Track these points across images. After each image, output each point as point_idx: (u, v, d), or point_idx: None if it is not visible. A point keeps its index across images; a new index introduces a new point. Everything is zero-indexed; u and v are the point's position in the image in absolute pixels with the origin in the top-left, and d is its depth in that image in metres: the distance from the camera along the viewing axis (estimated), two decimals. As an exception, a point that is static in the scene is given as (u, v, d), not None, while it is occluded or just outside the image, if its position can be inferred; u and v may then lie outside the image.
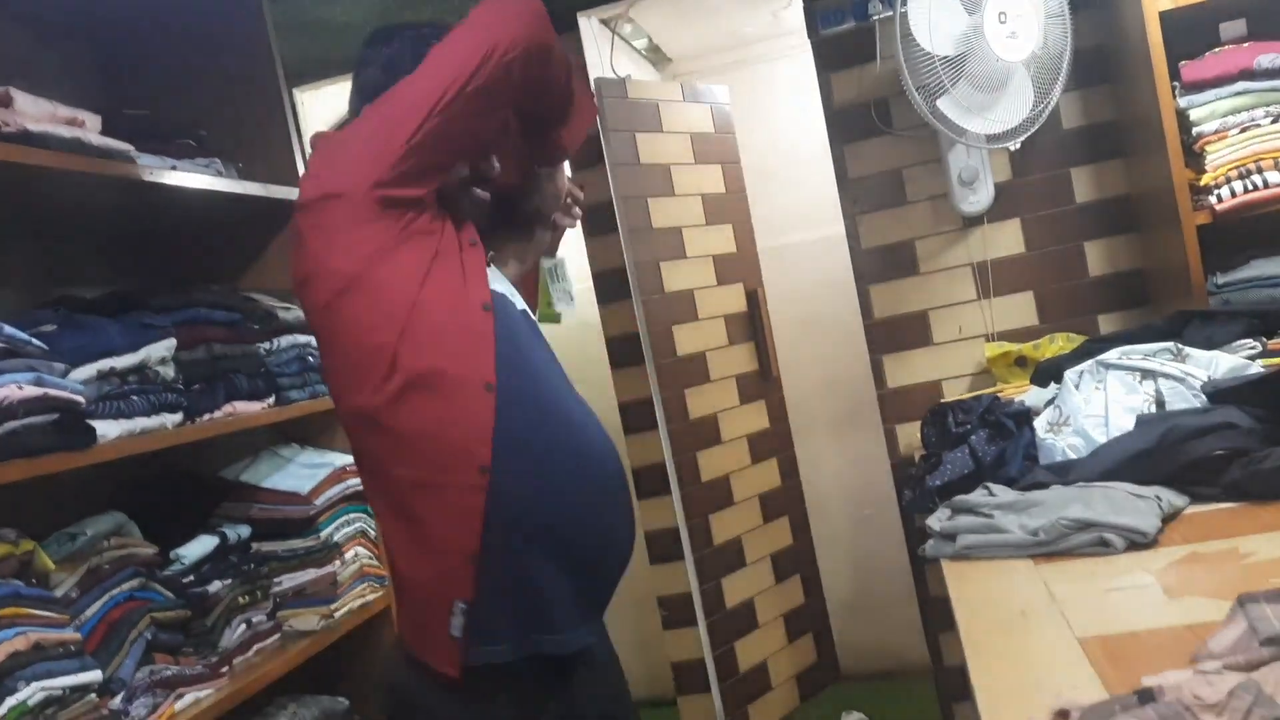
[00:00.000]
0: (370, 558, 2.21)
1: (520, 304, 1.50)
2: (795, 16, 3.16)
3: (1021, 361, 2.68)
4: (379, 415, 1.37)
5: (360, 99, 1.47)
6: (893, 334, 2.85)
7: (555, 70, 1.47)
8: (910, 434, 2.74)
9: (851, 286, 2.89)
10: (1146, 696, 0.76)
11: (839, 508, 3.92)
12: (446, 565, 1.37)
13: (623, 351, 3.10)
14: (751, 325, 3.45)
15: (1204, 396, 1.74)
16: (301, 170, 2.30)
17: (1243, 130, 2.20)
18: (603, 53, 3.20)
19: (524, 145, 1.52)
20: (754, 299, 3.45)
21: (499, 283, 1.48)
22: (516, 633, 1.39)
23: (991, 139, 2.50)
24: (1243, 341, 1.94)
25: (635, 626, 3.41)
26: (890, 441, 2.89)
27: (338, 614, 2.08)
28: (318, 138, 1.47)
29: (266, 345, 2.11)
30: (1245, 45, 2.26)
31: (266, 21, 2.33)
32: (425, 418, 1.36)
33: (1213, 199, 2.22)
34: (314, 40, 2.87)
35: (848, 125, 2.84)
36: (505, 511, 1.36)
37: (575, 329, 2.23)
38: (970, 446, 1.91)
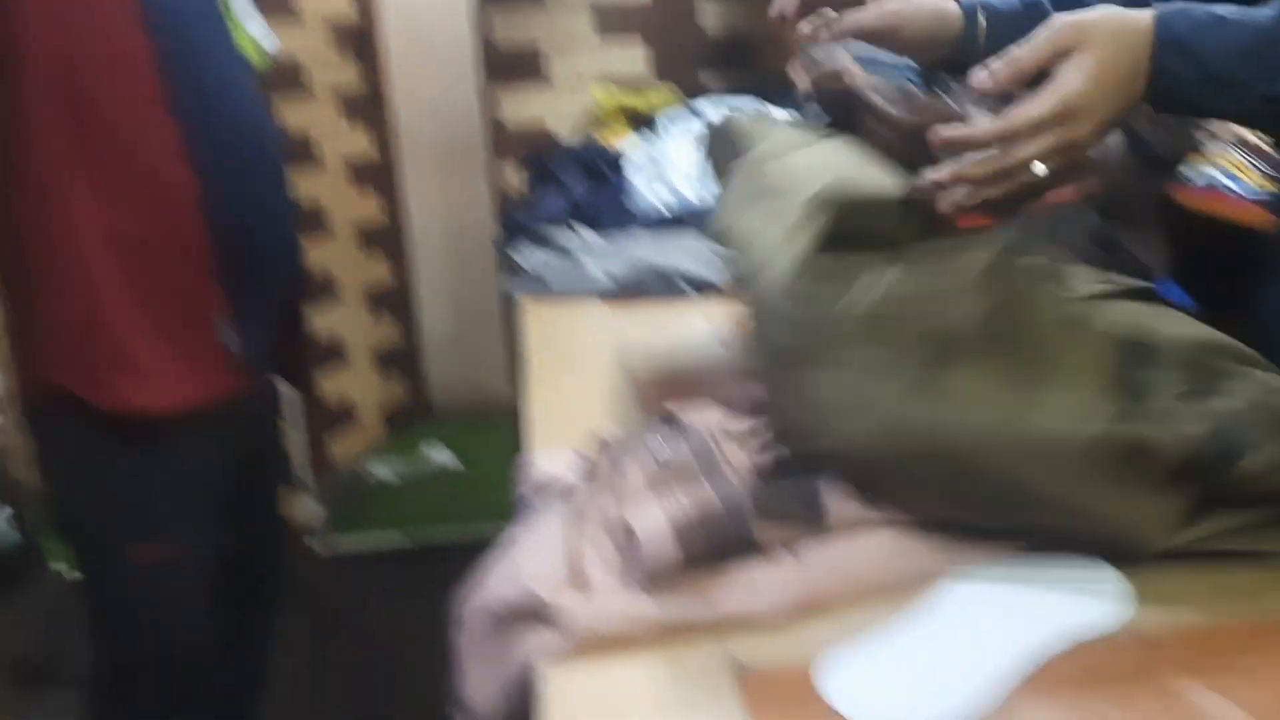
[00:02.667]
0: None
1: None
2: None
3: (629, 111, 2.69)
4: None
5: None
6: (509, 67, 2.75)
7: None
8: (516, 174, 2.71)
9: (470, 10, 2.71)
10: (673, 424, 0.78)
11: (441, 244, 3.86)
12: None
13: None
14: (360, 38, 3.16)
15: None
16: None
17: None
18: None
19: None
20: (366, 7, 3.15)
21: None
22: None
23: None
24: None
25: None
26: (495, 179, 2.84)
27: None
28: None
29: None
30: None
31: None
32: None
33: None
34: None
35: None
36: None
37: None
38: (566, 188, 1.90)
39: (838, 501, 0.71)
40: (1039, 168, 0.71)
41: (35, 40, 1.12)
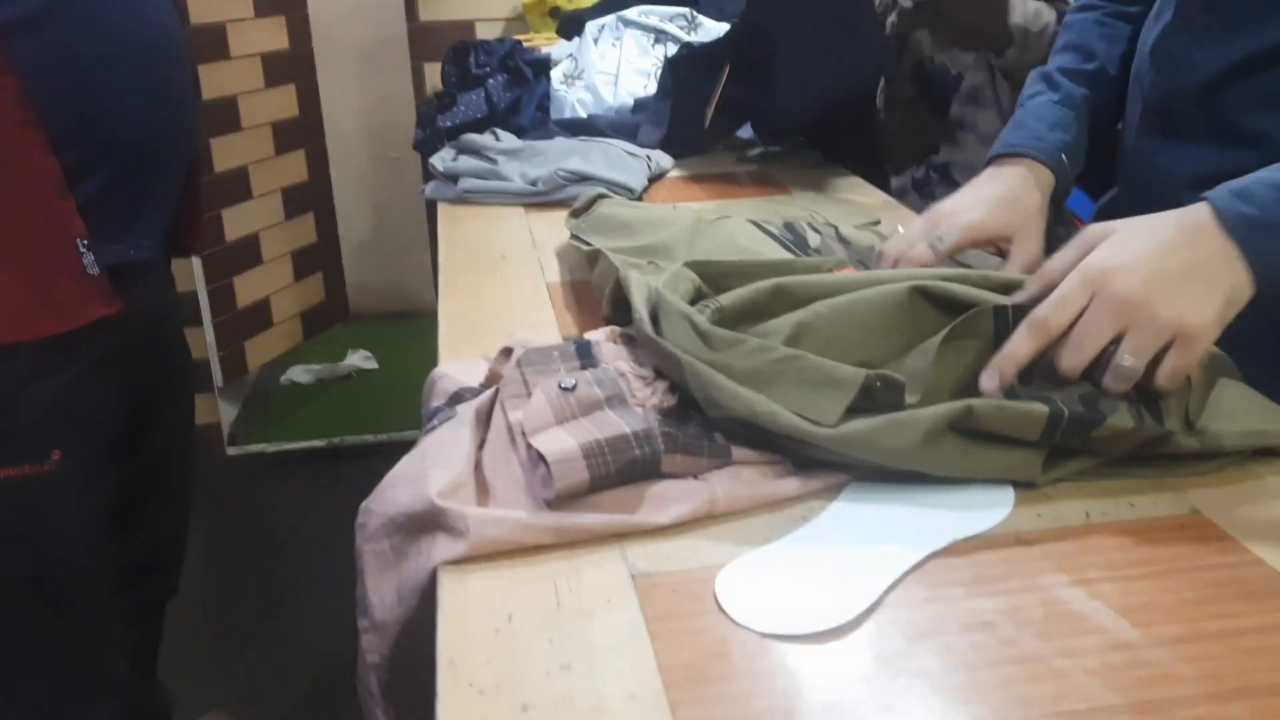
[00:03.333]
0: None
1: None
2: None
3: (555, 12, 2.62)
4: None
5: None
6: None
7: None
8: (437, 74, 2.62)
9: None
10: (584, 349, 0.78)
11: (361, 146, 3.76)
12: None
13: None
14: (273, -73, 3.01)
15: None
16: None
17: None
18: None
19: None
20: (278, -105, 2.99)
21: None
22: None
23: None
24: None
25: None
26: (417, 80, 2.75)
27: None
28: None
29: None
30: None
31: None
32: None
33: None
34: None
35: None
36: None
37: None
38: (486, 90, 1.85)
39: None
40: (1126, 359, 0.70)
41: None
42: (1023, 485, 0.71)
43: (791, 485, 0.71)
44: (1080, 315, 0.71)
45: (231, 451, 2.98)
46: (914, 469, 0.70)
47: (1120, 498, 0.71)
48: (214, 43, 2.82)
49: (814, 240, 1.19)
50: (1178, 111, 1.00)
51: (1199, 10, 0.97)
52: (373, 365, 3.42)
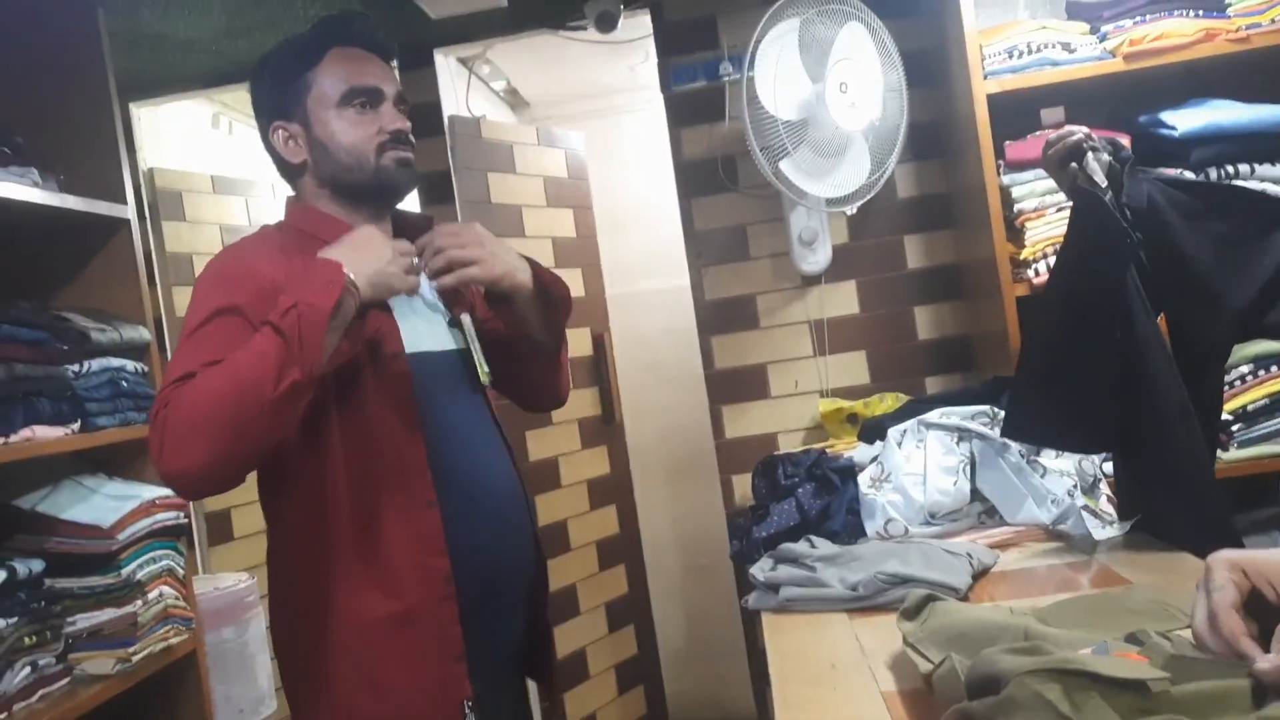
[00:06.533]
0: (176, 598, 2.09)
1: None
2: (650, 72, 3.22)
3: (852, 419, 2.76)
4: None
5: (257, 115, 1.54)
6: (732, 385, 2.90)
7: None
8: (745, 485, 2.78)
9: (695, 336, 2.93)
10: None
11: (675, 557, 3.95)
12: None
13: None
14: (597, 370, 3.45)
15: (1014, 458, 1.82)
16: (130, 191, 2.19)
17: (1058, 210, 2.35)
18: (459, 91, 3.18)
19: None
20: (600, 343, 3.46)
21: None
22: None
23: (830, 203, 2.60)
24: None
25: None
26: (726, 491, 2.92)
27: (136, 658, 1.94)
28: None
29: (75, 367, 1.98)
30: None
31: (101, 31, 2.21)
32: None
33: (1030, 272, 2.35)
34: (154, 54, 2.76)
35: (696, 180, 2.90)
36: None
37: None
38: (797, 499, 1.95)
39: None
40: None
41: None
42: None
43: None
44: None
45: None
46: None
47: None
48: (549, 476, 3.17)
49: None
50: None
51: None
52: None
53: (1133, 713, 0.77)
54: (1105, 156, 1.63)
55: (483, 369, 1.51)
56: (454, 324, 1.55)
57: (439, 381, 1.48)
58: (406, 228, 1.56)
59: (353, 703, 1.35)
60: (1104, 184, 1.61)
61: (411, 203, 2.78)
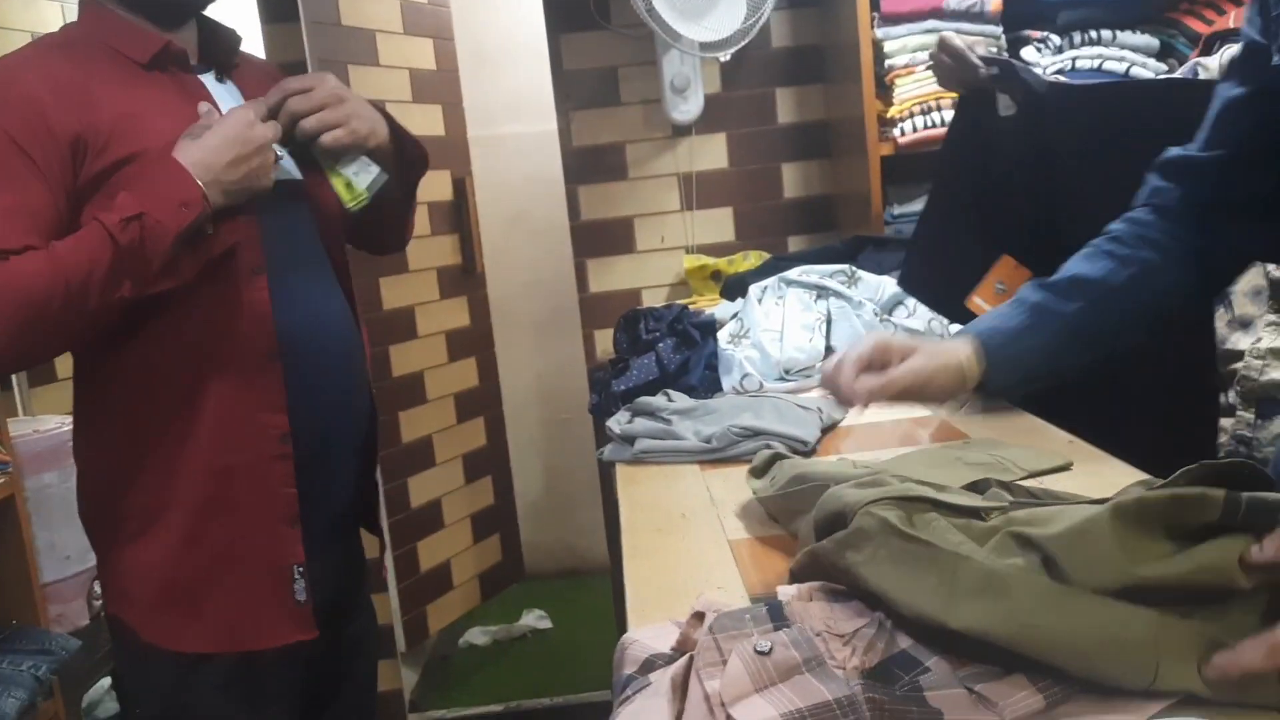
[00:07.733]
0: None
1: None
2: (521, -105, 3.01)
3: (716, 275, 2.75)
4: None
5: None
6: (598, 238, 2.84)
7: None
8: (608, 340, 2.75)
9: (561, 186, 2.84)
10: (776, 610, 0.77)
11: (535, 411, 3.94)
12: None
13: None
14: (457, 215, 3.32)
15: (868, 317, 1.83)
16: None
17: (928, 67, 2.32)
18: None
19: None
20: (461, 188, 3.32)
21: None
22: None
23: (704, 47, 2.51)
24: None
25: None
26: (588, 346, 2.89)
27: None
28: None
29: None
30: (942, -16, 2.37)
31: None
32: None
33: (896, 132, 2.33)
34: None
35: (565, 14, 2.75)
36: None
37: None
38: (657, 353, 1.93)
39: (951, 706, 0.69)
40: None
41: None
42: None
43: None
44: None
45: (413, 718, 2.98)
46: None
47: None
48: (404, 325, 3.07)
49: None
50: None
51: None
52: (547, 625, 3.42)
53: (977, 535, 0.78)
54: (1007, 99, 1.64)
55: (354, 192, 1.39)
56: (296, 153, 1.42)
57: (276, 219, 1.35)
58: (219, 41, 1.40)
59: (176, 564, 1.28)
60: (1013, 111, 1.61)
61: (251, 22, 2.55)
